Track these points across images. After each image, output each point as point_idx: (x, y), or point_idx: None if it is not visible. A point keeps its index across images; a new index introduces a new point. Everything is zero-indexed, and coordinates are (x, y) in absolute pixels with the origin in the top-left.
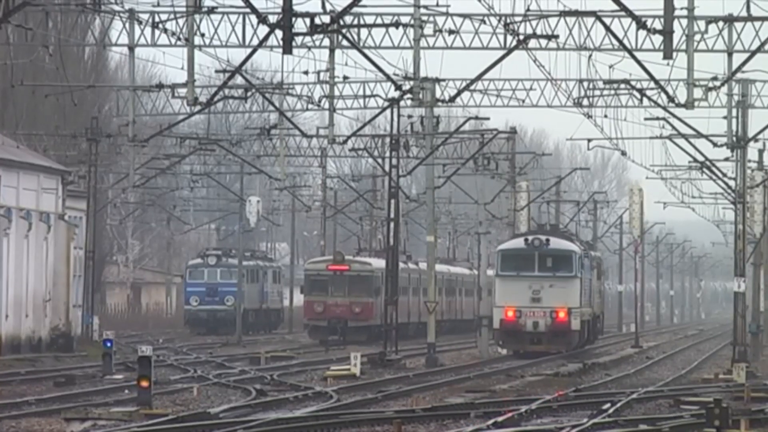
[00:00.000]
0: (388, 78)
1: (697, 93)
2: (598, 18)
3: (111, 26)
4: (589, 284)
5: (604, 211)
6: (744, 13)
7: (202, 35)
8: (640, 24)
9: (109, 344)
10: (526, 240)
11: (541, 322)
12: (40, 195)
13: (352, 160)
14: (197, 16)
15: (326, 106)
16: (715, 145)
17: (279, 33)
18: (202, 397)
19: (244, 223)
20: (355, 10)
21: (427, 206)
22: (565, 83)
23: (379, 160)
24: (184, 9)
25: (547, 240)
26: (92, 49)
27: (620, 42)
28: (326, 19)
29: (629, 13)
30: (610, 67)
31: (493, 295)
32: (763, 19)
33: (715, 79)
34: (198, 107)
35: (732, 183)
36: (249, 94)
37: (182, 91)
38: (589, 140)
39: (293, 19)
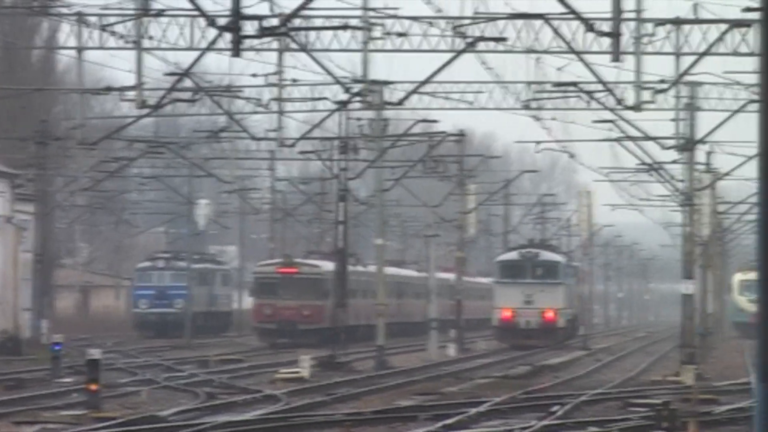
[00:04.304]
0: (337, 81)
1: (646, 95)
2: (546, 21)
3: (59, 29)
4: (571, 289)
5: (553, 213)
6: (692, 16)
7: (151, 38)
8: (588, 26)
9: (58, 348)
10: (520, 253)
11: (533, 320)
12: None
13: (301, 163)
14: (145, 19)
15: (275, 108)
16: (663, 147)
17: (228, 36)
18: (152, 400)
19: (193, 226)
20: (304, 12)
21: (376, 209)
22: (513, 86)
23: (328, 163)
24: (132, 12)
25: (537, 253)
26: (40, 52)
27: (568, 45)
28: (275, 21)
29: (577, 16)
30: (559, 69)
31: (492, 298)
32: (710, 21)
33: (663, 81)
34: (147, 110)
35: (680, 185)
36: (198, 96)
37: (131, 94)
38: (538, 143)
39: (242, 21)
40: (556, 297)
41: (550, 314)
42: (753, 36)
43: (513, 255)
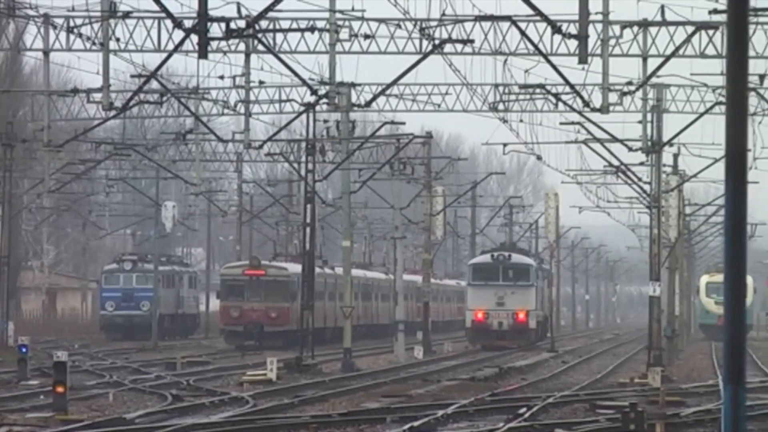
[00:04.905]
0: (304, 83)
1: (612, 97)
2: (513, 23)
3: (25, 31)
4: (542, 292)
5: (520, 215)
6: (658, 18)
7: (117, 40)
8: (555, 29)
9: (24, 350)
10: (492, 256)
11: (505, 322)
12: None
13: (268, 165)
14: (112, 21)
15: (242, 110)
16: (630, 149)
17: (194, 37)
18: (118, 402)
19: (160, 228)
20: (271, 14)
21: (343, 211)
22: (480, 88)
23: (295, 165)
24: (99, 14)
25: (509, 255)
26: (6, 53)
27: (535, 47)
28: (242, 23)
29: (544, 18)
30: (526, 71)
31: (465, 300)
32: (677, 23)
33: (630, 83)
34: (113, 112)
35: (647, 187)
36: (164, 98)
37: (97, 96)
38: (505, 145)
39: (209, 23)
40: (528, 299)
41: (521, 315)
42: (720, 38)
43: (486, 258)
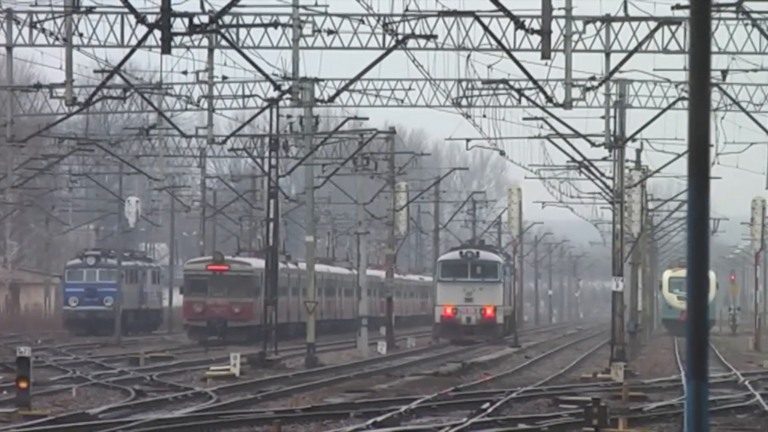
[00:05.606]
0: (267, 78)
1: (575, 93)
2: (477, 18)
3: None
4: (510, 287)
5: (483, 210)
6: (621, 14)
7: (81, 35)
8: (518, 24)
9: None
10: (461, 253)
11: (473, 317)
12: None
13: (232, 161)
14: (75, 16)
15: (205, 106)
16: (593, 144)
17: (158, 33)
18: (81, 397)
19: (123, 223)
20: (234, 10)
21: (307, 206)
22: (443, 83)
23: (259, 160)
24: (62, 9)
25: (478, 252)
26: None
27: (498, 42)
28: (205, 19)
29: (507, 13)
30: (489, 67)
31: (434, 296)
32: (639, 19)
33: (593, 79)
34: (76, 107)
35: (610, 183)
36: (128, 94)
37: (60, 91)
38: (468, 140)
39: (172, 18)
40: (495, 295)
41: (489, 311)
42: (682, 33)
43: (454, 255)
